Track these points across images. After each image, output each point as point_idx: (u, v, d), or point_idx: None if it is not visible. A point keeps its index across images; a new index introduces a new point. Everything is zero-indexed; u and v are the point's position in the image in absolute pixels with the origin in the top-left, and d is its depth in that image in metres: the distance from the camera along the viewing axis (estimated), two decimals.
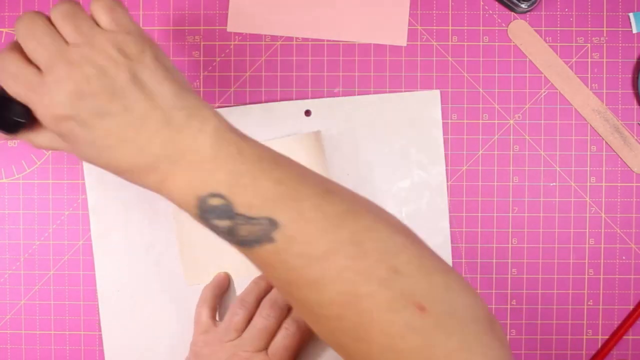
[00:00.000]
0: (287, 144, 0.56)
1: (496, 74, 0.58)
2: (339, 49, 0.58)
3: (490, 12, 0.58)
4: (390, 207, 0.57)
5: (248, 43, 0.58)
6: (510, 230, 0.58)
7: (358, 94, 0.58)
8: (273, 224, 0.36)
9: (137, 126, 0.37)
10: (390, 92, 0.58)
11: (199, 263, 0.57)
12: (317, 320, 0.37)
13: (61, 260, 0.58)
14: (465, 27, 0.58)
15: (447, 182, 0.58)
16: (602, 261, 0.58)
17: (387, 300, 0.35)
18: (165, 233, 0.58)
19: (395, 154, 0.57)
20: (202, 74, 0.58)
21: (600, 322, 0.58)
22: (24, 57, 0.38)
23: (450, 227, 0.58)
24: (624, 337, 0.58)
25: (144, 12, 0.58)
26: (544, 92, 0.58)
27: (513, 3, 0.57)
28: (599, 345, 0.58)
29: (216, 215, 0.37)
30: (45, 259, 0.58)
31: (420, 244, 0.39)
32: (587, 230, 0.58)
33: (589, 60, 0.58)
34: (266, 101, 0.58)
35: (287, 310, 0.54)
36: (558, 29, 0.58)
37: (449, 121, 0.58)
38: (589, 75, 0.58)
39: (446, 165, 0.58)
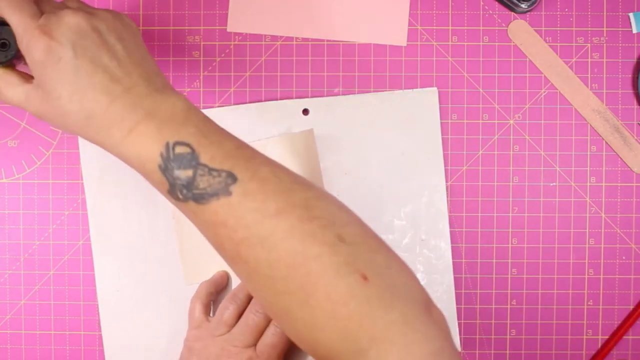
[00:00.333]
0: (280, 143, 0.56)
1: (496, 74, 0.58)
2: (339, 49, 0.58)
3: (490, 12, 0.58)
4: (389, 206, 0.57)
5: (248, 43, 0.58)
6: (510, 230, 0.58)
7: (358, 94, 0.58)
8: (232, 177, 0.39)
9: (118, 77, 0.41)
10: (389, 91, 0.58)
11: (198, 263, 0.57)
12: (265, 283, 0.38)
13: (61, 260, 0.58)
14: (465, 27, 0.58)
15: (447, 182, 0.58)
16: (602, 261, 0.58)
17: (334, 265, 0.37)
18: (164, 233, 0.58)
19: (394, 152, 0.57)
20: (202, 74, 0.58)
21: (600, 322, 0.58)
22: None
23: (450, 227, 0.58)
24: (624, 337, 0.58)
25: (143, 12, 0.58)
26: (544, 92, 0.58)
27: (513, 3, 0.57)
28: (599, 345, 0.58)
29: (179, 164, 0.39)
30: (45, 259, 0.58)
31: (366, 227, 0.41)
32: (587, 230, 0.58)
33: (589, 60, 0.58)
34: (266, 101, 0.58)
35: None
36: (558, 29, 0.58)
37: (449, 121, 0.58)
38: (589, 75, 0.58)
39: (446, 165, 0.58)
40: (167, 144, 0.39)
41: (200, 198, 0.39)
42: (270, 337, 0.53)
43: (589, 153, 0.58)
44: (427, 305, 0.39)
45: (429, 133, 0.58)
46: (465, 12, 0.58)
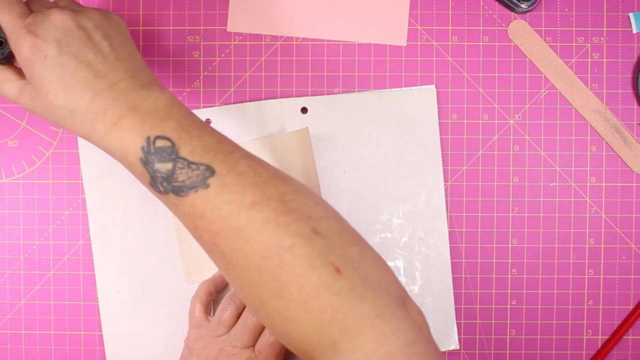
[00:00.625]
0: (275, 142, 0.56)
1: (496, 74, 0.58)
2: (339, 49, 0.58)
3: (490, 12, 0.58)
4: (388, 205, 0.57)
5: (248, 43, 0.58)
6: (510, 230, 0.58)
7: (356, 92, 0.58)
8: (210, 170, 0.40)
9: (102, 73, 0.42)
10: None
11: (199, 261, 0.57)
12: (241, 274, 0.39)
13: (61, 260, 0.58)
14: (465, 27, 0.58)
15: (447, 182, 0.58)
16: (602, 261, 0.58)
17: (306, 256, 0.38)
18: (165, 232, 0.58)
19: (392, 150, 0.57)
20: (202, 74, 0.58)
21: (600, 322, 0.58)
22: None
23: (450, 227, 0.58)
24: (624, 337, 0.58)
25: (143, 12, 0.58)
26: (544, 92, 0.58)
27: (513, 3, 0.57)
28: (599, 345, 0.58)
29: (159, 157, 0.40)
30: (45, 259, 0.58)
31: (343, 222, 0.41)
32: (587, 230, 0.58)
33: (589, 60, 0.58)
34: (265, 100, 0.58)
35: None
36: (558, 29, 0.58)
37: (449, 121, 0.58)
38: (589, 75, 0.58)
39: (446, 165, 0.58)
40: (148, 138, 0.41)
41: (179, 190, 0.40)
42: (268, 336, 0.53)
43: (589, 153, 0.58)
44: (402, 299, 0.39)
45: (428, 131, 0.58)
46: (465, 12, 0.58)
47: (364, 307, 0.37)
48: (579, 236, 0.58)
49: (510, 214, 0.58)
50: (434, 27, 0.58)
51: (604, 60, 0.58)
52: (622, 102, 0.58)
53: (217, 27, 0.58)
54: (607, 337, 0.58)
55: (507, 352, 0.58)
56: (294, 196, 0.40)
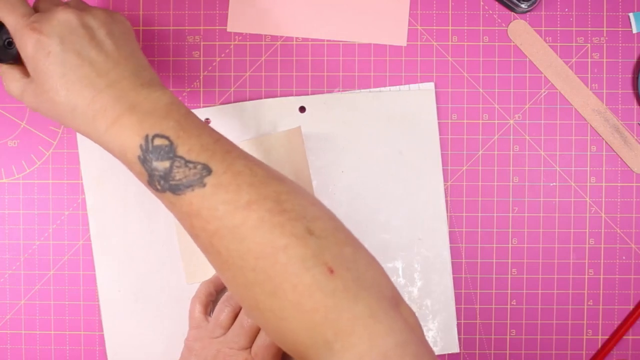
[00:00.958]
0: (267, 141, 0.56)
1: (496, 74, 0.58)
2: (339, 49, 0.58)
3: (490, 12, 0.58)
4: (387, 205, 0.57)
5: (248, 43, 0.58)
6: (510, 230, 0.58)
7: (354, 91, 0.58)
8: (207, 169, 0.40)
9: (104, 71, 0.43)
10: None
11: (199, 261, 0.57)
12: (236, 274, 0.40)
13: (61, 260, 0.58)
14: (465, 27, 0.58)
15: (447, 182, 0.58)
16: (602, 261, 0.58)
17: (300, 256, 0.38)
18: (165, 232, 0.58)
19: (392, 149, 0.57)
20: (202, 74, 0.58)
21: (600, 322, 0.58)
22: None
23: (450, 227, 0.58)
24: (624, 337, 0.58)
25: (143, 12, 0.58)
26: (544, 92, 0.58)
27: (513, 3, 0.57)
28: (599, 345, 0.58)
29: (157, 155, 0.41)
30: (45, 259, 0.58)
31: (338, 222, 0.42)
32: (587, 230, 0.58)
33: (589, 60, 0.58)
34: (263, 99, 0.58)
35: None
36: (558, 29, 0.58)
37: (449, 121, 0.58)
38: (589, 75, 0.58)
39: (446, 165, 0.58)
40: (147, 136, 0.41)
41: (176, 189, 0.41)
42: (264, 338, 0.52)
43: (589, 153, 0.58)
44: (395, 300, 0.40)
45: (427, 130, 0.57)
46: (465, 12, 0.58)
47: (357, 308, 0.37)
48: (579, 236, 0.58)
49: (510, 214, 0.58)
50: (434, 27, 0.58)
51: (604, 60, 0.58)
52: (622, 102, 0.58)
53: (217, 27, 0.58)
54: (607, 337, 0.58)
55: (507, 352, 0.58)
56: (289, 196, 0.41)
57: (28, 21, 0.43)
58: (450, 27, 0.58)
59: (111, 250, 0.58)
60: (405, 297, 0.57)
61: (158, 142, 0.41)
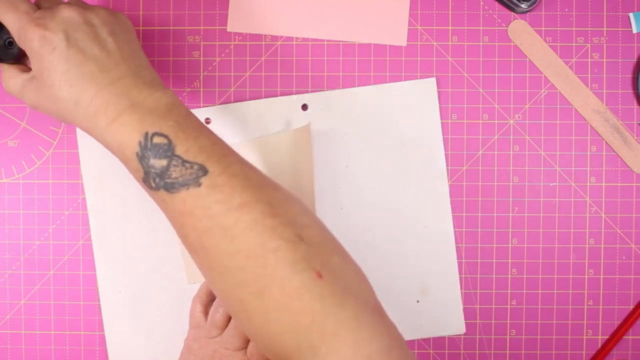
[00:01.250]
0: (278, 140, 0.56)
1: (496, 74, 0.58)
2: (339, 49, 0.58)
3: (490, 12, 0.58)
4: (390, 198, 0.57)
5: (248, 43, 0.58)
6: (510, 230, 0.58)
7: (356, 87, 0.58)
8: (203, 170, 0.41)
9: (107, 69, 0.43)
10: None
11: None
12: (224, 273, 0.40)
13: (61, 260, 0.58)
14: (465, 27, 0.58)
15: (448, 182, 0.58)
16: (602, 261, 0.58)
17: (290, 259, 0.39)
18: (165, 232, 0.58)
19: (394, 144, 0.58)
20: (202, 74, 0.58)
21: (600, 322, 0.58)
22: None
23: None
24: (624, 337, 0.58)
25: (143, 12, 0.58)
26: (544, 92, 0.58)
27: (513, 3, 0.57)
28: (599, 345, 0.58)
29: (155, 153, 0.41)
30: (45, 259, 0.58)
31: (327, 231, 0.43)
32: (587, 230, 0.58)
33: (589, 60, 0.58)
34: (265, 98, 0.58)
35: None
36: (558, 29, 0.58)
37: (449, 121, 0.58)
38: (589, 75, 0.58)
39: (446, 165, 0.58)
40: (146, 134, 0.42)
41: (171, 187, 0.41)
42: None
43: (589, 153, 0.58)
44: (379, 311, 0.41)
45: (429, 124, 0.58)
46: (465, 12, 0.58)
47: (343, 313, 0.38)
48: (579, 236, 0.58)
49: (510, 214, 0.58)
50: (434, 27, 0.58)
51: (604, 60, 0.58)
52: (622, 102, 0.58)
53: (217, 27, 0.58)
54: (607, 337, 0.58)
55: (507, 352, 0.58)
56: (282, 202, 0.42)
57: (32, 18, 0.44)
58: (450, 27, 0.58)
59: (111, 250, 0.58)
60: (412, 279, 0.57)
61: (157, 140, 0.42)
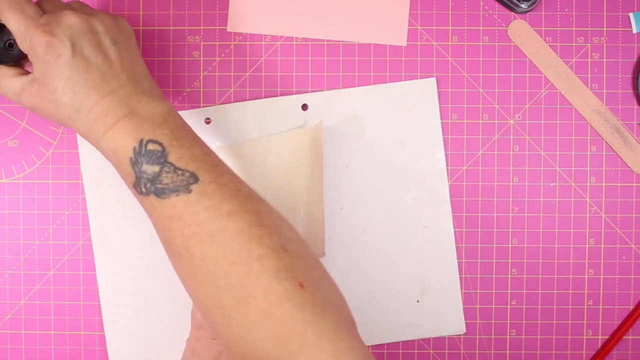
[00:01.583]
0: (290, 138, 0.57)
1: (496, 74, 0.58)
2: (339, 49, 0.58)
3: (490, 12, 0.58)
4: (391, 198, 0.57)
5: (248, 43, 0.58)
6: (510, 230, 0.58)
7: (356, 87, 0.58)
8: (194, 177, 0.42)
9: (108, 77, 0.44)
10: None
11: None
12: (206, 279, 0.41)
13: (61, 260, 0.58)
14: (465, 27, 0.58)
15: (448, 181, 0.58)
16: (602, 261, 0.58)
17: (274, 268, 0.40)
18: None
19: (394, 143, 0.58)
20: (202, 74, 0.58)
21: (600, 322, 0.58)
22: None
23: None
24: (624, 337, 0.58)
25: (143, 12, 0.58)
26: (544, 92, 0.58)
27: (513, 3, 0.57)
28: (599, 345, 0.58)
29: (148, 159, 0.43)
30: (45, 259, 0.58)
31: (308, 247, 0.44)
32: (587, 230, 0.58)
33: (589, 60, 0.58)
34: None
35: None
36: (558, 29, 0.58)
37: (449, 121, 0.58)
38: (589, 75, 0.58)
39: (447, 165, 0.58)
40: (141, 140, 0.43)
41: (161, 193, 0.42)
42: None
43: (589, 153, 0.58)
44: (354, 325, 0.42)
45: (429, 124, 0.58)
46: (465, 12, 0.58)
47: (323, 323, 0.39)
48: (579, 236, 0.58)
49: (510, 214, 0.58)
50: (434, 27, 0.58)
51: (604, 60, 0.58)
52: (622, 102, 0.58)
53: (217, 27, 0.58)
54: (607, 337, 0.58)
55: (507, 352, 0.58)
56: (268, 214, 0.43)
57: (38, 23, 0.45)
58: (450, 27, 0.58)
59: (111, 250, 0.58)
60: (412, 279, 0.57)
61: (151, 147, 0.43)
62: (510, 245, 0.58)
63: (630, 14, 0.58)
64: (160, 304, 0.58)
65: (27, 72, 0.47)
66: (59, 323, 0.58)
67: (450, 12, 0.58)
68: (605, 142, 0.58)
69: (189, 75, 0.58)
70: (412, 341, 0.58)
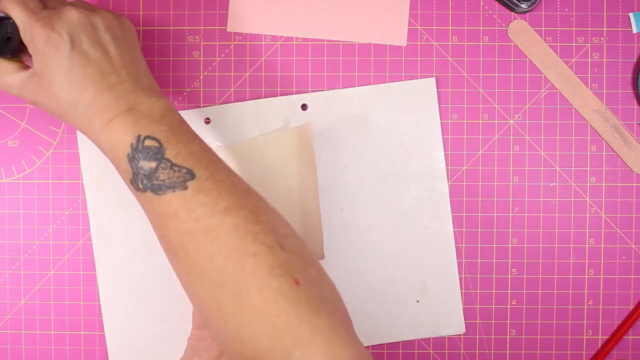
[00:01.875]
0: (278, 138, 0.56)
1: (496, 74, 0.58)
2: (339, 49, 0.58)
3: (490, 12, 0.58)
4: (391, 198, 0.57)
5: (248, 43, 0.58)
6: (510, 230, 0.58)
7: (356, 87, 0.58)
8: (191, 174, 0.42)
9: (107, 73, 0.45)
10: None
11: None
12: (202, 275, 0.41)
13: (61, 260, 0.58)
14: (465, 27, 0.58)
15: (448, 181, 0.58)
16: (602, 261, 0.58)
17: (269, 264, 0.40)
18: None
19: (394, 143, 0.58)
20: (202, 74, 0.58)
21: (600, 322, 0.58)
22: None
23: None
24: (624, 337, 0.58)
25: (143, 12, 0.58)
26: (544, 92, 0.58)
27: (513, 3, 0.57)
28: (599, 345, 0.58)
29: (145, 155, 0.43)
30: (45, 259, 0.58)
31: (304, 244, 0.44)
32: (587, 230, 0.58)
33: (589, 60, 0.58)
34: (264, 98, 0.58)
35: None
36: (558, 29, 0.58)
37: (449, 121, 0.58)
38: (589, 75, 0.58)
39: (446, 165, 0.58)
40: (139, 136, 0.43)
41: (158, 189, 0.42)
42: None
43: (589, 153, 0.58)
44: (351, 325, 0.42)
45: (429, 124, 0.58)
46: (465, 12, 0.58)
47: (318, 320, 0.39)
48: (579, 236, 0.58)
49: (510, 214, 0.58)
50: (434, 27, 0.58)
51: (604, 60, 0.58)
52: (622, 102, 0.58)
53: (217, 27, 0.58)
54: (607, 337, 0.58)
55: (507, 352, 0.58)
56: (265, 211, 0.43)
57: (39, 17, 0.45)
58: (450, 27, 0.58)
59: (111, 250, 0.58)
60: (412, 279, 0.57)
61: (148, 143, 0.43)
62: (510, 245, 0.58)
63: (630, 14, 0.58)
64: (160, 304, 0.58)
65: (28, 67, 0.48)
66: (59, 323, 0.58)
67: (450, 12, 0.58)
68: (605, 142, 0.58)
69: (189, 75, 0.58)
70: (412, 341, 0.58)
